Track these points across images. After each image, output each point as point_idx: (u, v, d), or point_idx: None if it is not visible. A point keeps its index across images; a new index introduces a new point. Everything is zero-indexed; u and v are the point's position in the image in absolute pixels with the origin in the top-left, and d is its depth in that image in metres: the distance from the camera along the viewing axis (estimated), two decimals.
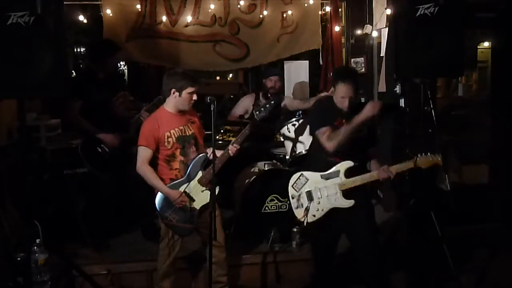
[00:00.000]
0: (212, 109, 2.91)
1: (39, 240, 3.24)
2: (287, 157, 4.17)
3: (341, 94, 3.10)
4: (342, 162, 3.11)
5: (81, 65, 6.64)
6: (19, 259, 3.24)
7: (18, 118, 3.59)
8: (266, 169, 4.15)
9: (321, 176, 3.17)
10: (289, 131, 4.15)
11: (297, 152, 4.07)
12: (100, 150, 4.00)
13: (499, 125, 4.82)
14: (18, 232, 3.54)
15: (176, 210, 3.23)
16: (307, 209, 3.17)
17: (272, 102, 3.40)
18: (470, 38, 5.38)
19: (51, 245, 3.33)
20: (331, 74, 5.72)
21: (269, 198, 4.10)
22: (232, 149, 3.28)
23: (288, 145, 4.15)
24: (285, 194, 4.10)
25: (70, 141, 4.33)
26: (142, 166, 3.21)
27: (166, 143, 3.23)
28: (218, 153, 3.27)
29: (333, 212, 3.17)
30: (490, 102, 5.14)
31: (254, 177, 4.09)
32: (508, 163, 4.79)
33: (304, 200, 3.21)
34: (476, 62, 5.90)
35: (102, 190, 4.13)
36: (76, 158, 3.97)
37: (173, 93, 3.21)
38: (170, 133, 3.24)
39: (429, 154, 3.07)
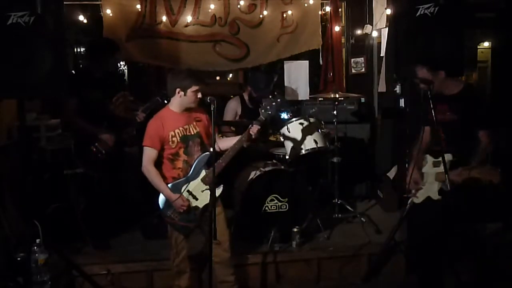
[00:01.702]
0: (212, 109, 2.92)
1: (39, 240, 3.24)
2: (287, 157, 4.17)
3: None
4: (447, 154, 3.03)
5: (81, 65, 6.63)
6: (19, 259, 3.25)
7: (18, 118, 3.59)
8: (266, 169, 4.15)
9: (433, 162, 3.21)
10: (289, 131, 4.15)
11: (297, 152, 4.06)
12: (94, 149, 3.98)
13: (499, 125, 4.80)
14: (18, 232, 3.55)
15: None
16: (419, 189, 3.26)
17: (279, 100, 3.35)
18: (470, 38, 5.38)
19: (51, 245, 3.33)
20: (331, 74, 5.73)
21: (269, 198, 4.09)
22: (233, 148, 3.28)
23: (288, 145, 4.14)
24: (285, 194, 4.14)
25: (70, 141, 4.34)
26: (147, 167, 3.21)
27: (170, 143, 3.22)
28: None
29: (428, 201, 3.20)
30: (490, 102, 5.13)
31: (254, 177, 4.10)
32: (508, 163, 4.78)
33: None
34: (476, 62, 5.91)
35: (102, 190, 4.13)
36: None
37: (178, 92, 3.22)
38: (175, 133, 3.23)
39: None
